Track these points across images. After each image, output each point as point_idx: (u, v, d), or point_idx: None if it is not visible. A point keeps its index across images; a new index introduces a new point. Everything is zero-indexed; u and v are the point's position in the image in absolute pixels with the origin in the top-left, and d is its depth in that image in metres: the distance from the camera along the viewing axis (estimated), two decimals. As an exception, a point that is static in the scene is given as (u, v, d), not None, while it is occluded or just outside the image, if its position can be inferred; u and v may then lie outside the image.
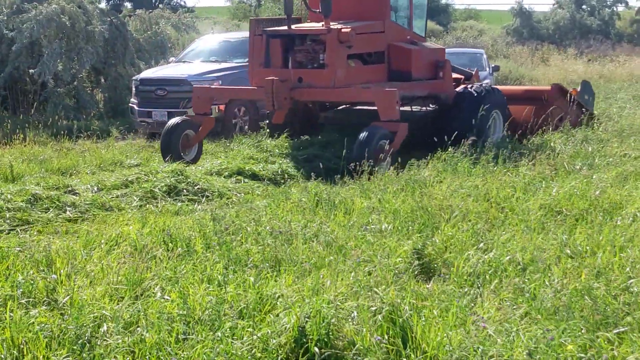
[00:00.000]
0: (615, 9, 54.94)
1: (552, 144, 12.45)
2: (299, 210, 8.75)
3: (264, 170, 11.99)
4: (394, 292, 5.42)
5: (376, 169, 10.95)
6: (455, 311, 5.27)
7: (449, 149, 11.29)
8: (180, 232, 7.53)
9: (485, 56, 23.67)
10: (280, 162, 12.44)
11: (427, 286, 5.97)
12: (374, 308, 5.20)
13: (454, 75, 14.94)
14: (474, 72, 15.92)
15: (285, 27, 13.36)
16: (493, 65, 23.06)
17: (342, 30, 12.80)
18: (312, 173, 10.90)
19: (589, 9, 53.56)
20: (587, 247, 6.69)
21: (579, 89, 15.62)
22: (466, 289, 5.91)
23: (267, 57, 13.38)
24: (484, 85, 14.70)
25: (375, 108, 12.72)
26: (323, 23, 13.02)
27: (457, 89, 14.31)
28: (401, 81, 13.62)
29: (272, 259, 6.62)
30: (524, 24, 52.68)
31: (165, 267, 6.44)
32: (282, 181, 11.74)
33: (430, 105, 14.46)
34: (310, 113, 14.81)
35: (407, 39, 14.29)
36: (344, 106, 15.00)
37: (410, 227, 7.66)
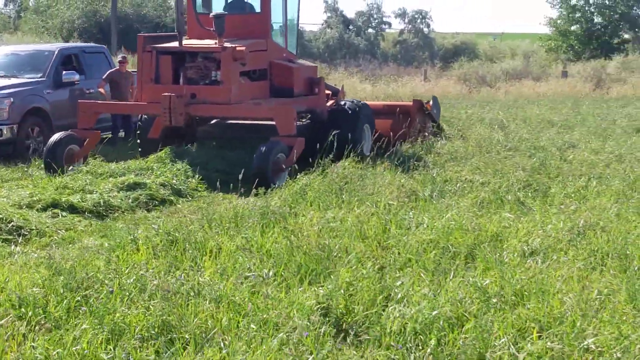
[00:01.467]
0: (379, 30, 56.29)
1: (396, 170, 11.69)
2: (149, 253, 7.44)
3: (83, 201, 10.45)
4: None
5: (276, 183, 11.48)
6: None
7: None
8: (18, 289, 6.05)
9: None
10: (102, 190, 10.91)
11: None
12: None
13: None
14: (340, 89, 16.37)
15: (176, 44, 13.35)
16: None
17: (237, 48, 13.04)
18: (134, 204, 10.27)
19: (355, 29, 54.43)
20: (508, 293, 5.92)
21: (431, 103, 16.61)
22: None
23: (157, 73, 13.37)
24: (354, 101, 15.12)
25: (252, 122, 13.83)
26: (216, 41, 13.20)
27: (332, 104, 14.83)
28: (283, 97, 14.05)
29: (159, 326, 5.34)
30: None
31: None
32: (105, 213, 10.33)
33: (303, 120, 14.71)
34: (187, 127, 14.20)
35: (284, 57, 14.69)
36: (215, 120, 15.04)
37: (295, 274, 6.60)
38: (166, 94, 12.77)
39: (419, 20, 54.88)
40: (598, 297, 5.79)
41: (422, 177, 10.79)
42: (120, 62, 16.65)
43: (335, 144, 12.51)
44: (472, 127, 16.82)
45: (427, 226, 7.93)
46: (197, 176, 12.26)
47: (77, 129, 13.50)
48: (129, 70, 16.87)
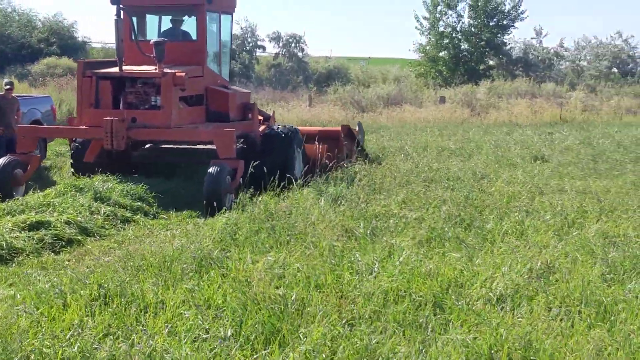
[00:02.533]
0: (254, 53, 55.50)
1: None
2: (81, 310, 6.50)
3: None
4: None
5: (227, 206, 11.70)
6: None
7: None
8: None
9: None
10: (1, 231, 9.75)
11: None
12: None
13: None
14: (271, 115, 16.67)
15: (117, 69, 13.51)
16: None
17: (177, 74, 13.24)
18: (39, 245, 9.45)
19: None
20: (504, 355, 5.34)
21: (357, 128, 17.26)
22: None
23: (97, 98, 13.48)
24: (288, 126, 15.54)
25: (186, 147, 14.37)
26: (156, 67, 13.43)
27: (264, 129, 15.08)
28: (219, 122, 14.23)
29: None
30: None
31: None
32: (9, 257, 9.24)
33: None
34: (123, 151, 13.98)
35: (218, 83, 15.04)
36: (149, 145, 15.26)
37: (259, 334, 5.82)
38: (108, 118, 12.91)
39: (293, 45, 54.44)
40: None
41: (351, 212, 10.15)
42: (6, 88, 15.37)
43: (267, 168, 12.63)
44: (378, 154, 16.34)
45: (380, 271, 7.29)
46: (102, 211, 11.30)
47: (17, 153, 13.57)
48: (14, 96, 15.65)
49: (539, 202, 10.96)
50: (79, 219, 10.70)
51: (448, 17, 55.21)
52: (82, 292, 6.83)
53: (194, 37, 14.80)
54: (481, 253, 8.15)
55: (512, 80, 51.53)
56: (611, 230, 9.09)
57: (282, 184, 11.84)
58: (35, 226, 10.14)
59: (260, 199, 10.84)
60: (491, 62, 56.09)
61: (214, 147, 13.48)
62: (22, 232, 9.93)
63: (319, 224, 9.40)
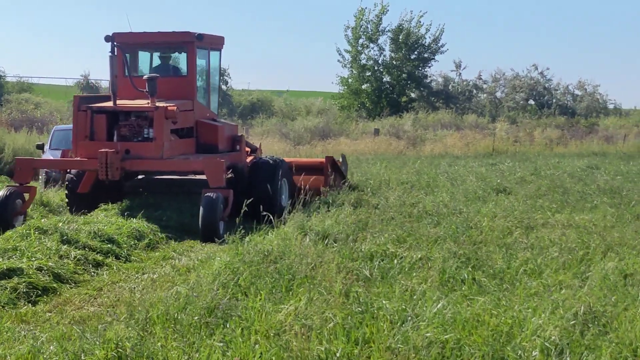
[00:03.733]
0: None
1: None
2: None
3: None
4: None
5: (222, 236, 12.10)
6: None
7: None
8: None
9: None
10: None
11: None
12: None
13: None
14: (258, 146, 17.33)
15: (111, 104, 14.03)
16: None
17: (169, 107, 13.76)
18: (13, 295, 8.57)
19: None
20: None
21: (340, 160, 17.68)
22: None
23: (92, 131, 13.91)
24: (274, 157, 15.96)
25: (177, 177, 15.10)
26: (148, 101, 13.95)
27: (251, 160, 15.53)
28: (209, 153, 14.71)
29: None
30: (91, 98, 49.88)
31: None
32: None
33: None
34: (115, 182, 14.47)
35: (207, 116, 15.53)
36: (141, 176, 15.70)
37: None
38: (103, 150, 13.37)
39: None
40: None
41: (346, 252, 9.47)
42: None
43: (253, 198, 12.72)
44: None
45: (415, 319, 6.63)
46: (72, 255, 10.38)
47: (16, 185, 13.96)
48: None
49: (535, 237, 10.49)
50: (50, 264, 9.75)
51: (370, 50, 55.36)
52: (96, 352, 5.99)
53: (184, 72, 15.40)
54: (505, 296, 7.58)
55: (433, 112, 51.85)
56: (628, 268, 8.64)
57: (267, 217, 11.33)
58: (7, 274, 9.15)
59: (249, 238, 10.11)
60: (413, 95, 56.34)
61: (203, 177, 13.98)
62: (-7, 281, 8.95)
63: (319, 265, 8.71)
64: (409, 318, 6.68)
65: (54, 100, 52.46)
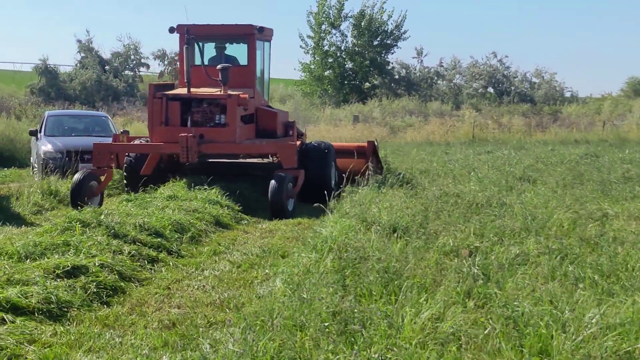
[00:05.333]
0: (137, 71, 53.11)
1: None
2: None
3: (24, 296, 7.43)
4: None
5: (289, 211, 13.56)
6: None
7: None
8: None
9: (110, 120, 20.10)
10: (37, 279, 7.88)
11: None
12: None
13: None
14: (304, 132, 18.08)
15: (185, 91, 14.66)
16: (122, 130, 19.61)
17: (241, 95, 14.53)
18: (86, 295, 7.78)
19: (112, 70, 50.88)
20: None
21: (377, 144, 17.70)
22: None
23: (167, 117, 14.57)
24: (322, 142, 16.40)
25: (230, 161, 15.97)
26: (219, 89, 14.66)
27: (300, 144, 15.77)
28: (267, 138, 15.50)
29: None
30: (50, 83, 48.07)
31: None
32: (59, 312, 7.44)
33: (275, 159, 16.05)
34: (176, 163, 15.69)
35: (263, 103, 16.35)
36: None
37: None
38: (183, 134, 13.97)
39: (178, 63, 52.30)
40: None
41: (437, 248, 8.82)
42: None
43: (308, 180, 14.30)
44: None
45: (578, 325, 6.00)
46: (126, 251, 9.56)
47: (94, 167, 14.68)
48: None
49: (613, 230, 9.96)
50: (109, 261, 8.93)
51: (332, 37, 54.71)
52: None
53: (240, 62, 16.07)
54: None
55: (397, 99, 51.47)
56: None
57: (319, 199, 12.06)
58: (72, 272, 8.32)
59: (324, 231, 9.43)
60: (375, 82, 55.88)
61: (258, 161, 15.91)
62: (58, 279, 8.11)
63: (417, 264, 8.06)
64: (567, 324, 6.05)
65: (5, 85, 50.57)
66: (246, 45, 16.00)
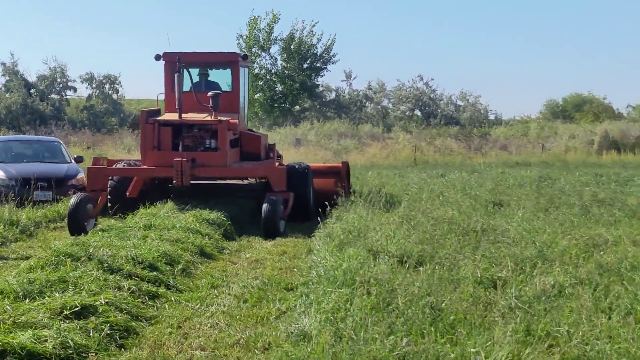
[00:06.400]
0: (64, 94, 51.54)
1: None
2: None
3: (38, 341, 6.72)
4: None
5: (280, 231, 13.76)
6: None
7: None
8: None
9: (63, 145, 19.20)
10: (47, 323, 7.16)
11: None
12: None
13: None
14: (281, 154, 18.60)
15: (176, 117, 14.93)
16: (75, 156, 18.77)
17: (231, 121, 15.04)
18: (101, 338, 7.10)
19: (39, 93, 49.26)
20: None
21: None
22: None
23: (159, 142, 14.85)
24: (300, 163, 16.44)
25: (213, 182, 16.21)
26: (208, 114, 15.10)
27: (282, 166, 15.72)
28: (252, 161, 15.95)
29: None
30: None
31: None
32: (76, 357, 6.76)
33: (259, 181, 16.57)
34: (157, 186, 16.15)
35: (244, 127, 16.81)
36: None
37: None
38: (177, 159, 14.30)
39: (107, 86, 50.97)
40: None
41: (452, 277, 8.41)
42: None
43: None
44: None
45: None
46: (125, 287, 8.88)
47: (89, 191, 14.83)
48: None
49: (625, 256, 9.69)
50: (114, 299, 8.25)
51: (262, 60, 54.29)
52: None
53: (223, 88, 16.44)
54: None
55: (328, 121, 51.23)
56: None
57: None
58: (80, 313, 7.62)
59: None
60: (305, 105, 55.59)
61: (243, 182, 16.53)
62: (68, 321, 7.41)
63: (452, 295, 7.63)
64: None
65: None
66: (229, 71, 16.48)
